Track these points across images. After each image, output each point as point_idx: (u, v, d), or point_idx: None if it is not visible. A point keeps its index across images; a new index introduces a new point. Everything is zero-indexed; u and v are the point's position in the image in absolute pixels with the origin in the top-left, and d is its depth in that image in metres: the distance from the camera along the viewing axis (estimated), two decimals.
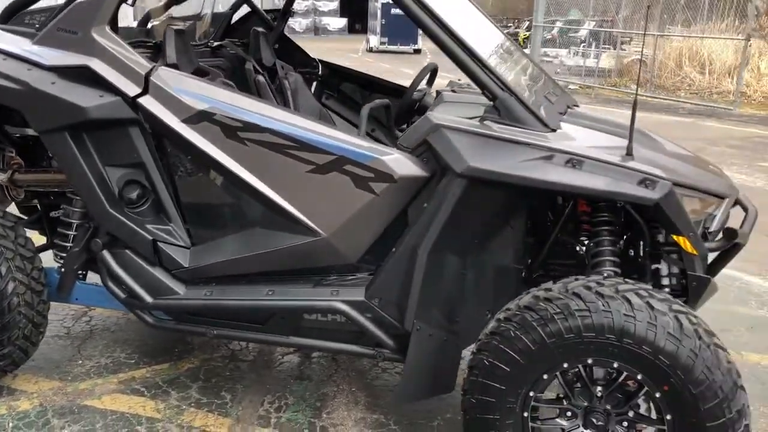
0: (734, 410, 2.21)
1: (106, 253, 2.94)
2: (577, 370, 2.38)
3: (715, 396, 2.21)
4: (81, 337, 3.78)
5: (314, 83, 4.33)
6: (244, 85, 3.71)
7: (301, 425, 3.05)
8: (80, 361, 3.53)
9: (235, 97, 2.73)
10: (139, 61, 2.79)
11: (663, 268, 2.84)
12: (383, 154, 2.61)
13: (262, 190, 2.73)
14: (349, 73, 4.34)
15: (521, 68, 3.12)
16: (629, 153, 2.56)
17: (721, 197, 2.78)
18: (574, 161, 2.50)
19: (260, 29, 3.95)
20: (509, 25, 36.82)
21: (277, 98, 3.87)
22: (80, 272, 3.21)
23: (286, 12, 4.32)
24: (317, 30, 42.45)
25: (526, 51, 6.98)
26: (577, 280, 2.41)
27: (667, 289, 2.86)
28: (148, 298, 2.91)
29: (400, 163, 2.59)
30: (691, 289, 2.75)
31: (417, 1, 2.56)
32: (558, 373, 2.38)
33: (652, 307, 2.25)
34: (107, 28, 2.81)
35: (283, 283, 2.85)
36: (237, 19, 4.27)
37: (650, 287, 2.41)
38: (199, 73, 3.25)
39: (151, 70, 2.77)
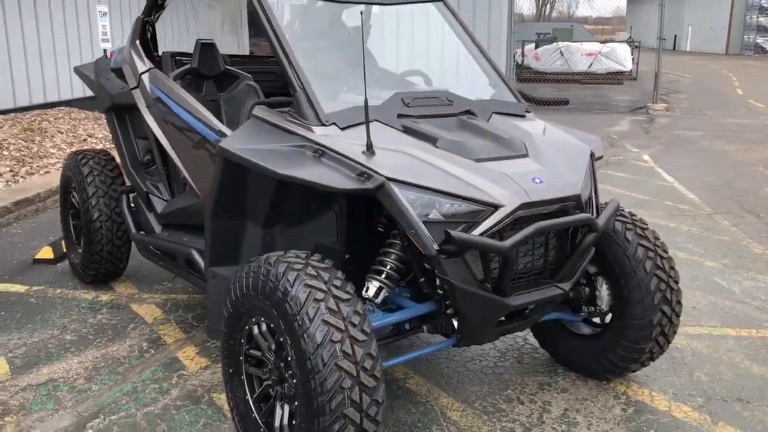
0: (319, 386, 2.33)
1: (123, 197, 4.23)
2: (260, 325, 2.71)
3: (305, 366, 2.37)
4: None
5: None
6: None
7: (211, 349, 3.85)
8: (166, 283, 4.90)
9: (173, 90, 3.70)
10: (143, 65, 3.98)
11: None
12: (224, 136, 3.28)
13: (176, 160, 3.65)
14: None
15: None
16: (368, 149, 2.73)
17: (493, 206, 2.67)
18: (319, 152, 2.80)
19: None
20: None
21: None
22: None
23: None
24: None
25: None
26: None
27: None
28: (133, 231, 4.10)
29: None
30: (447, 291, 2.75)
31: (259, 3, 3.14)
32: (251, 327, 2.75)
33: (286, 276, 2.50)
34: (137, 43, 4.08)
35: (196, 234, 3.71)
36: None
37: (323, 264, 2.59)
38: (226, 76, 4.27)
39: (146, 71, 3.93)
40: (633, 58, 24.10)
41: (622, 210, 3.48)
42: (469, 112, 3.29)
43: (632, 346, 3.36)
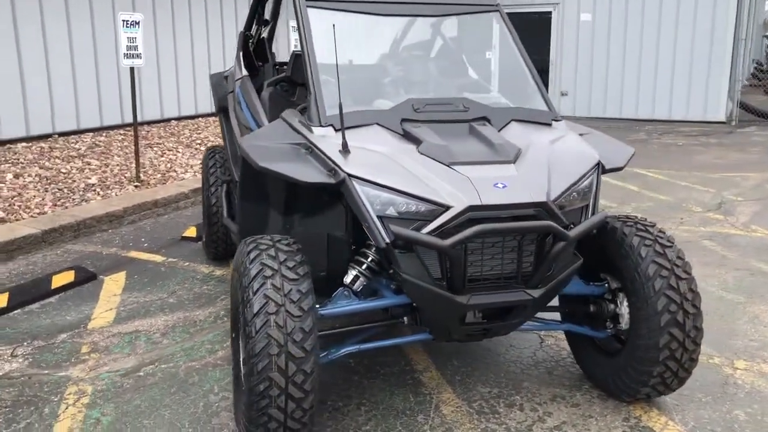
0: (251, 349, 2.67)
1: (222, 186, 4.90)
2: None
3: (245, 332, 2.73)
4: None
5: None
6: None
7: None
8: None
9: (249, 95, 4.25)
10: (239, 73, 4.60)
11: None
12: None
13: None
14: None
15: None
16: (344, 148, 3.01)
17: (444, 206, 2.81)
18: (306, 147, 3.15)
19: None
20: None
21: None
22: None
23: None
24: None
25: None
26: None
27: None
28: (225, 215, 4.74)
29: None
30: (401, 284, 2.96)
31: (302, 17, 3.57)
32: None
33: (249, 255, 2.88)
34: (240, 54, 4.73)
35: None
36: None
37: (287, 248, 2.91)
38: None
39: (239, 78, 4.55)
40: None
41: (650, 226, 3.33)
42: (484, 119, 3.40)
43: (639, 367, 3.21)
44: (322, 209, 3.51)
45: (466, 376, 3.74)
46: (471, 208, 2.79)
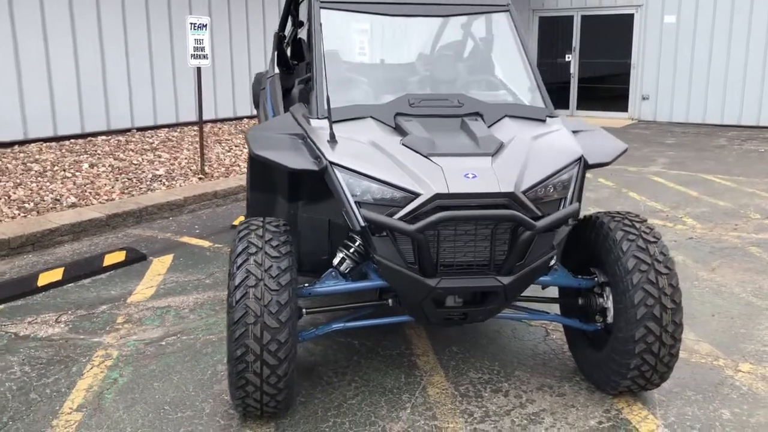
0: (231, 318, 2.94)
1: None
2: None
3: (227, 303, 3.01)
4: None
5: None
6: None
7: None
8: None
9: (274, 91, 4.55)
10: (272, 71, 4.92)
11: None
12: None
13: None
14: None
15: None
16: (331, 138, 3.24)
17: (414, 193, 2.99)
18: (302, 138, 3.40)
19: None
20: None
21: None
22: None
23: None
24: None
25: None
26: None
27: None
28: None
29: None
30: (377, 266, 3.16)
31: (315, 17, 3.83)
32: None
33: (240, 233, 3.16)
34: (274, 54, 5.05)
35: None
36: None
37: (275, 229, 3.16)
38: None
39: (271, 76, 4.87)
40: None
41: (638, 221, 3.38)
42: (477, 114, 3.54)
43: (618, 359, 3.27)
44: (323, 197, 3.74)
45: (462, 362, 3.88)
46: (438, 196, 2.95)
